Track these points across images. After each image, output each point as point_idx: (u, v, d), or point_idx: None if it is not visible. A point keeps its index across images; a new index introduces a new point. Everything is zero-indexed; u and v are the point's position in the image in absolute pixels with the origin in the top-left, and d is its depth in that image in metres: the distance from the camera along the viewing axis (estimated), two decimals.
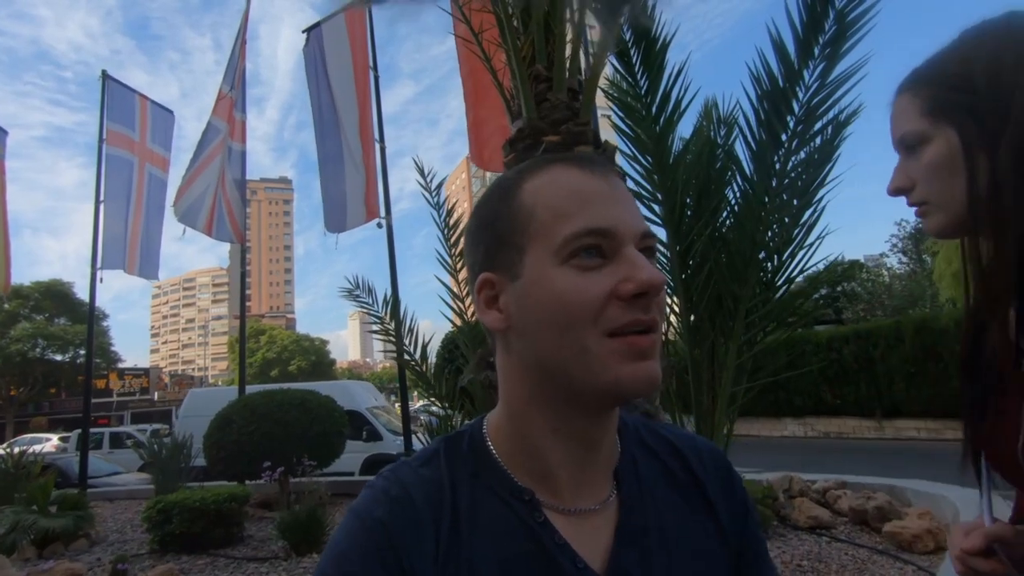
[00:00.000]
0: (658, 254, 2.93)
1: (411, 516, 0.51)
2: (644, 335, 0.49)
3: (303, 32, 9.43)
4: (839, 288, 18.28)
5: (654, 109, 2.81)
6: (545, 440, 0.54)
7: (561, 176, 0.53)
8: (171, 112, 11.69)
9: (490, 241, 0.55)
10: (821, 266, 2.78)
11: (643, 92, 2.85)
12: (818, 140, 2.61)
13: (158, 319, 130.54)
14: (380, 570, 0.49)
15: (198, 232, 9.53)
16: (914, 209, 0.77)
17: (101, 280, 10.22)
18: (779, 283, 2.81)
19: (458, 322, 3.88)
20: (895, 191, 0.77)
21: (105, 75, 10.43)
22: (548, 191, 0.52)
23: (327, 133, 9.29)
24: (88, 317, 10.65)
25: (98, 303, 11.39)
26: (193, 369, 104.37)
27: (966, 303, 0.73)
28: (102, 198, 10.32)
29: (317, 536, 4.99)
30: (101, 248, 10.23)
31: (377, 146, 9.53)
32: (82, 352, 33.15)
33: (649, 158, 2.90)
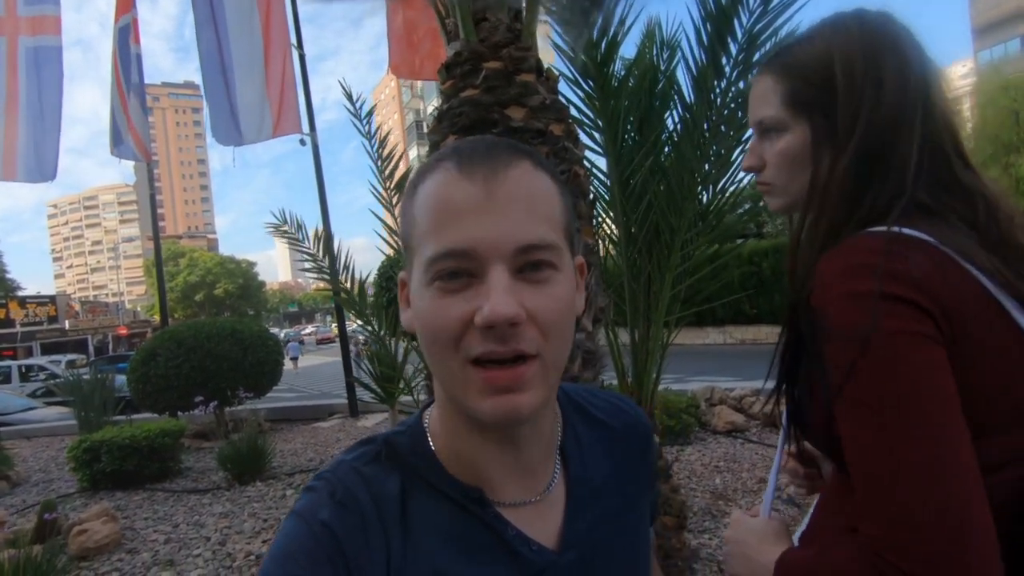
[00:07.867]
0: (599, 184, 2.90)
1: (358, 520, 0.49)
2: (505, 368, 0.46)
3: None
4: (761, 203, 19.14)
5: (596, 29, 2.66)
6: (469, 442, 0.54)
7: (438, 183, 0.49)
8: None
9: (401, 241, 0.54)
10: (746, 182, 2.83)
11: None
12: (756, 71, 2.57)
13: (59, 241, 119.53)
14: (330, 573, 0.47)
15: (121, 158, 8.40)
16: (760, 186, 0.83)
17: None
18: (712, 213, 2.88)
19: (392, 253, 3.77)
20: (747, 169, 0.84)
21: None
22: (426, 203, 0.49)
23: (208, 29, 7.84)
24: None
25: None
26: (106, 295, 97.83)
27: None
28: None
29: (259, 465, 4.99)
30: None
31: (294, 52, 8.60)
32: None
33: (591, 82, 2.79)
